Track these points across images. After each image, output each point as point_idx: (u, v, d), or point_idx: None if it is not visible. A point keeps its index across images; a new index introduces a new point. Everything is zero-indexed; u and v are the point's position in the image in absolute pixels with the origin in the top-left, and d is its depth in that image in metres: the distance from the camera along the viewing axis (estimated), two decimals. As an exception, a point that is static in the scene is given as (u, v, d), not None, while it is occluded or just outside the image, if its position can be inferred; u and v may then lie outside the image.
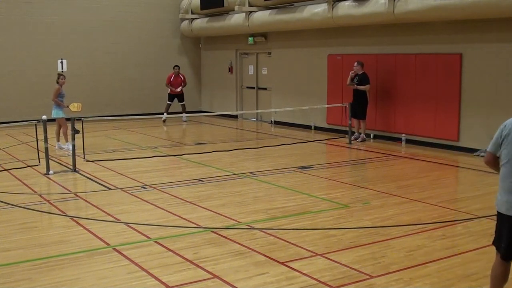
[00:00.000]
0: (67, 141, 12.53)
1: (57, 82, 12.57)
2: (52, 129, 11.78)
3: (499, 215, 4.18)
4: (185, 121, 18.42)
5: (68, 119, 11.39)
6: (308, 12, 14.51)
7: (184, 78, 18.34)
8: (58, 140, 12.77)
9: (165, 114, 17.36)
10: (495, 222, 4.28)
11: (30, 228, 6.82)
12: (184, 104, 18.20)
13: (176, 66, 18.25)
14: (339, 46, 15.00)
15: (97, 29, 18.67)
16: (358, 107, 13.46)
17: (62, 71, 14.70)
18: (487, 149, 4.29)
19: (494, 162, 4.27)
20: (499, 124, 4.25)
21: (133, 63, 19.32)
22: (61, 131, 12.72)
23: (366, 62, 13.62)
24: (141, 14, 19.41)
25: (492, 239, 4.42)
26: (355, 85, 13.43)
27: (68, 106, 12.37)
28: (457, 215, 7.28)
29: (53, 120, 12.40)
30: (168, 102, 18.10)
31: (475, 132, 11.89)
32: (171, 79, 18.06)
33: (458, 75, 12.07)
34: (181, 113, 17.65)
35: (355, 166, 11.14)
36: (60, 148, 12.61)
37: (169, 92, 18.10)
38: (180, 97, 18.13)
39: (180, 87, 18.09)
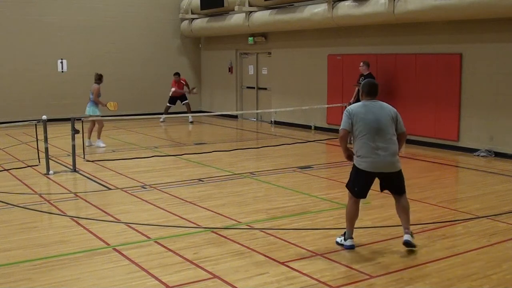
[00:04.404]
0: (99, 138, 13.02)
1: (98, 82, 12.96)
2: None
3: (357, 170, 5.78)
4: (191, 122, 18.24)
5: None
6: (308, 12, 14.51)
7: (186, 82, 18.14)
8: (89, 137, 13.04)
9: (163, 115, 17.28)
10: (352, 172, 5.90)
11: (30, 228, 6.82)
12: (188, 103, 17.96)
13: (176, 73, 17.89)
14: (339, 46, 15.00)
15: (97, 29, 18.68)
16: None
17: (62, 71, 14.78)
18: (342, 127, 5.81)
19: (347, 136, 5.84)
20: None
21: (133, 63, 19.32)
22: (95, 128, 13.10)
23: (366, 62, 13.65)
24: (141, 14, 19.41)
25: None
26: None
27: (106, 105, 12.80)
28: (457, 215, 7.28)
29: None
30: (168, 104, 17.82)
31: (475, 132, 11.89)
32: (175, 85, 17.75)
33: (458, 75, 12.06)
34: (186, 112, 17.56)
35: (355, 166, 11.13)
36: (90, 145, 12.86)
37: (170, 95, 17.74)
38: (183, 96, 18.00)
39: (184, 89, 17.95)
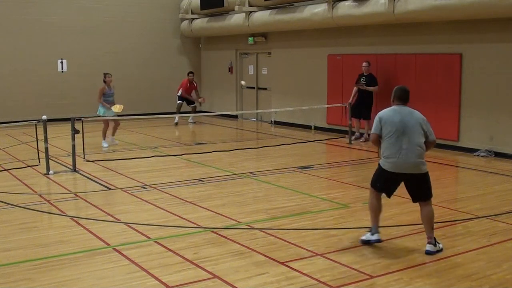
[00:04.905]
0: (104, 138, 13.15)
1: (104, 82, 12.98)
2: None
3: (381, 170, 5.95)
4: (193, 122, 18.15)
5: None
6: (308, 12, 14.51)
7: (196, 85, 17.98)
8: (111, 135, 13.30)
9: (177, 117, 16.96)
10: (377, 172, 6.07)
11: (30, 228, 6.82)
12: (195, 106, 17.75)
13: (191, 72, 17.78)
14: (339, 46, 15.00)
15: (97, 29, 18.68)
16: (364, 108, 13.41)
17: (62, 71, 14.80)
18: (372, 132, 6.04)
19: (378, 140, 6.01)
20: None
21: (133, 63, 19.31)
22: (110, 127, 13.24)
23: (366, 62, 13.63)
24: (141, 14, 19.41)
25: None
26: (364, 86, 13.35)
27: (110, 108, 12.85)
28: (457, 215, 7.28)
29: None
30: (179, 102, 17.45)
31: (475, 132, 11.89)
32: (187, 86, 17.42)
33: (458, 75, 12.06)
34: (190, 112, 17.43)
35: (355, 166, 11.14)
36: (113, 143, 13.20)
37: (180, 94, 17.45)
38: (190, 99, 17.76)
39: (194, 93, 17.70)
